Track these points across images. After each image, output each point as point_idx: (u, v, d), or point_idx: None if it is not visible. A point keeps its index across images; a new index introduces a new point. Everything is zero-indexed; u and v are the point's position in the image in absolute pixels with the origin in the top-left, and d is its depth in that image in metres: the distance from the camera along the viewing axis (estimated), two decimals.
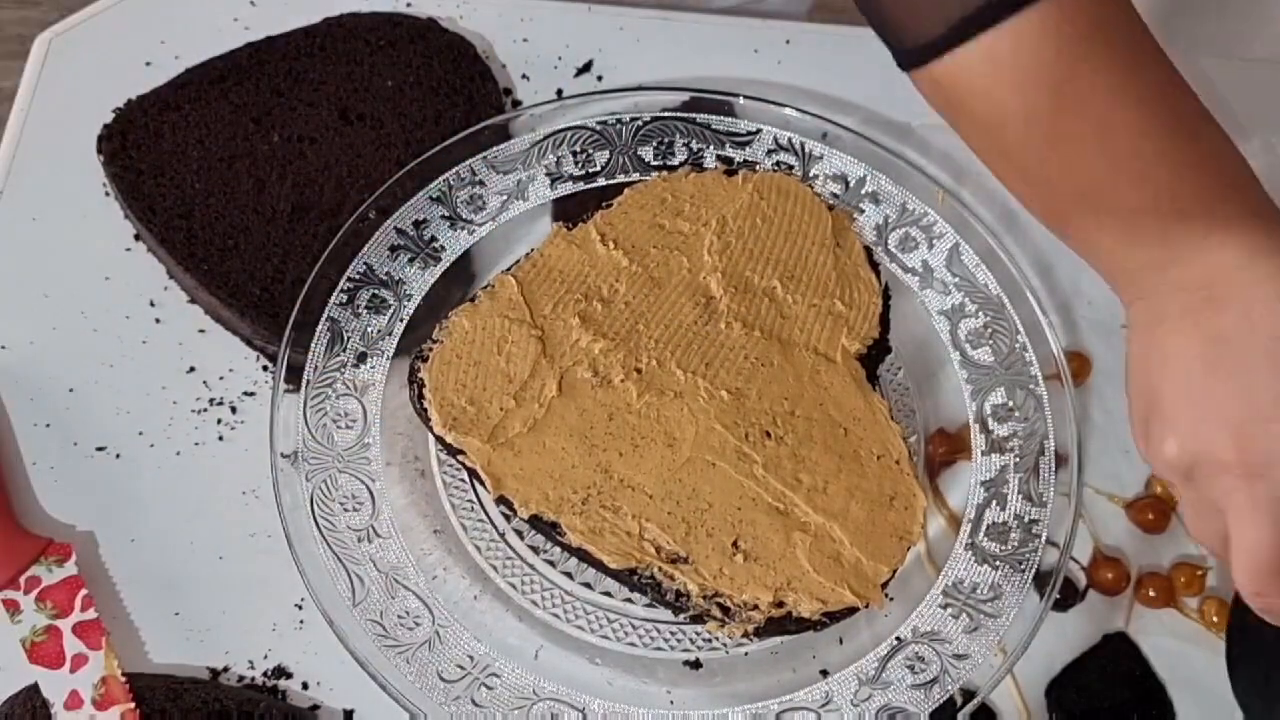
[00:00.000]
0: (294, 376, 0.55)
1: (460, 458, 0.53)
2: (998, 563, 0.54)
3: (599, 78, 0.68)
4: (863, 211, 0.61)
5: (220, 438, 0.58)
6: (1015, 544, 0.54)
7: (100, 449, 0.58)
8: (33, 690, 0.51)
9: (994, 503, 0.55)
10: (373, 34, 0.65)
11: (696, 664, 0.54)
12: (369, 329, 0.57)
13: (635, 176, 0.61)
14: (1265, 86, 0.71)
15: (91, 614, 0.53)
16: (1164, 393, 0.44)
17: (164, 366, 0.59)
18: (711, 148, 0.62)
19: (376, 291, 0.57)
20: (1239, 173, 0.43)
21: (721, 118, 0.62)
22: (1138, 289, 0.45)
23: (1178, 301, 0.43)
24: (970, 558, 0.54)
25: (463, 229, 0.59)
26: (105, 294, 0.61)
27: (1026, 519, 0.55)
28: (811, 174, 0.62)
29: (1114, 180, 0.43)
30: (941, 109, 0.46)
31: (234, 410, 0.59)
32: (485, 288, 0.57)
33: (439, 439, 0.54)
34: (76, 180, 0.63)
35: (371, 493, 0.54)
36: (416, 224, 0.59)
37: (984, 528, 0.55)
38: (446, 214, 0.59)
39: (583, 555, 0.52)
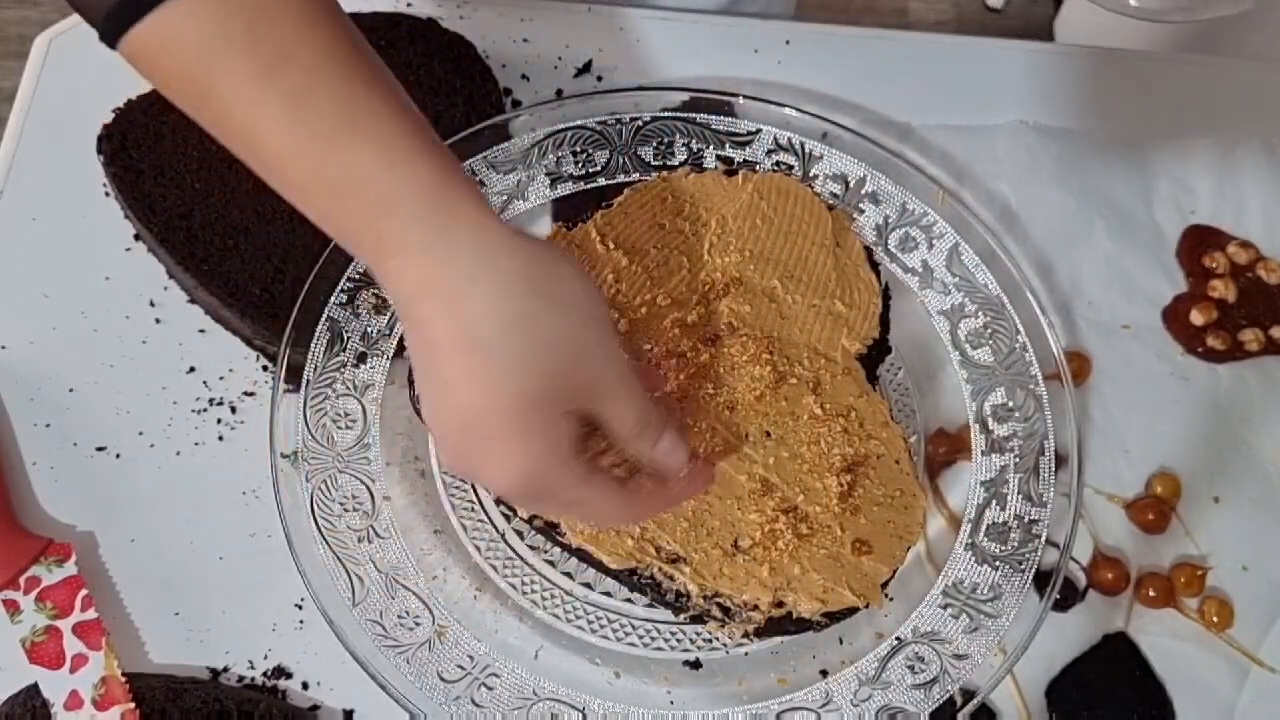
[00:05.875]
0: (294, 376, 0.55)
1: None
2: (998, 563, 0.54)
3: (599, 78, 0.68)
4: (863, 211, 0.61)
5: (220, 438, 0.58)
6: (1015, 544, 0.54)
7: (100, 449, 0.58)
8: (33, 690, 0.51)
9: (994, 503, 0.55)
10: (373, 34, 0.65)
11: (696, 664, 0.54)
12: (369, 329, 0.57)
13: (635, 176, 0.61)
14: (1265, 86, 0.71)
15: (91, 614, 0.53)
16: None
17: (164, 366, 0.59)
18: (711, 148, 0.62)
19: (377, 291, 0.57)
20: (393, 192, 0.41)
21: (721, 118, 0.62)
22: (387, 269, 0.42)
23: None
24: (970, 558, 0.54)
25: None
26: (105, 294, 0.61)
27: (1026, 519, 0.55)
28: (811, 174, 0.62)
29: (286, 192, 0.41)
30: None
31: (234, 410, 0.59)
32: None
33: None
34: (76, 180, 0.63)
35: (371, 493, 0.54)
36: None
37: (984, 528, 0.55)
38: None
39: (583, 555, 0.52)
